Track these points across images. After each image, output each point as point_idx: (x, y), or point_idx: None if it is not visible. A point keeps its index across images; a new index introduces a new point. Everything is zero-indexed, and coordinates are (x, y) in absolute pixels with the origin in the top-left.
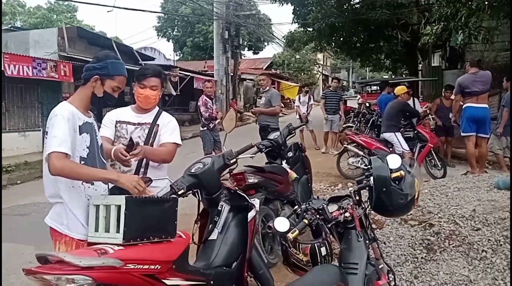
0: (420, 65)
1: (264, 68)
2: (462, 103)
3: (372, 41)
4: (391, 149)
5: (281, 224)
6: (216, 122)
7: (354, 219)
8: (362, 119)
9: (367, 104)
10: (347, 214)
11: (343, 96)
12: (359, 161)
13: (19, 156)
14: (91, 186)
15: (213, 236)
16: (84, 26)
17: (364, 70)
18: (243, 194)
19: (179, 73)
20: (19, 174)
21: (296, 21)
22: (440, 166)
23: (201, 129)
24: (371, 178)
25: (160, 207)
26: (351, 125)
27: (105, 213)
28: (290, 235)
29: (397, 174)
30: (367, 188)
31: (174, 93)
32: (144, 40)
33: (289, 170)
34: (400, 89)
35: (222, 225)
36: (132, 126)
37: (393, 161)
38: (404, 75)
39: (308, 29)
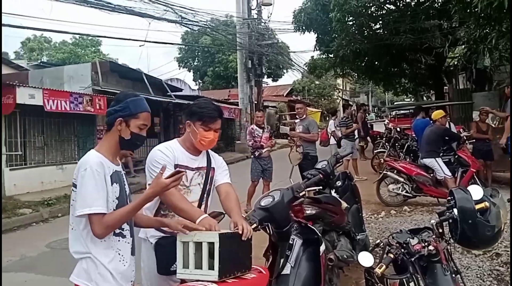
0: (446, 88)
1: (284, 95)
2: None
3: (395, 65)
4: (431, 175)
5: (366, 259)
6: (263, 150)
7: (439, 252)
8: (395, 144)
9: (398, 129)
10: (431, 248)
11: (368, 121)
12: (399, 187)
13: (57, 189)
14: (122, 239)
15: (286, 270)
16: (109, 59)
17: (383, 93)
18: (313, 228)
19: None
20: (59, 207)
21: (318, 48)
22: None
23: (251, 157)
24: (454, 210)
25: (241, 242)
26: (382, 150)
27: (195, 250)
28: (378, 270)
29: (482, 205)
30: (450, 220)
31: None
32: (169, 72)
33: (340, 200)
34: (437, 114)
35: (294, 259)
36: (191, 171)
37: (476, 192)
38: (427, 98)
39: (330, 55)
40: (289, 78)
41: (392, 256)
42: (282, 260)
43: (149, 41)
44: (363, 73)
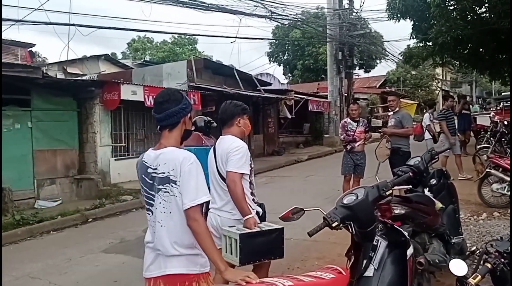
0: None
1: (377, 87)
2: None
3: (503, 52)
4: None
5: (458, 267)
6: (356, 144)
7: None
8: (502, 139)
9: (505, 122)
10: None
11: (471, 114)
12: (505, 187)
13: None
14: None
15: (369, 272)
16: (204, 56)
17: (489, 83)
18: (400, 229)
19: (294, 96)
20: None
21: (415, 36)
22: None
23: (344, 151)
24: None
25: (269, 237)
26: (486, 146)
27: (230, 241)
28: (472, 281)
29: None
30: None
31: (289, 116)
32: (259, 67)
33: (434, 200)
34: None
35: (378, 261)
36: None
37: None
38: None
39: (428, 43)
40: (383, 69)
41: (489, 266)
42: (365, 261)
43: (240, 37)
44: (466, 62)
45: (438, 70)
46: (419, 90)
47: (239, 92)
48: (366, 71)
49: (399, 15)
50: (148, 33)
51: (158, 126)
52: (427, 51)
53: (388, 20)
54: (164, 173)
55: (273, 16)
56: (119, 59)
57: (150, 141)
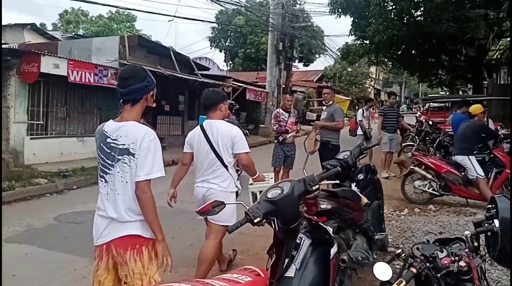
0: (485, 83)
1: (314, 81)
2: None
3: (433, 56)
4: (463, 173)
5: (382, 271)
6: (288, 136)
7: (471, 269)
8: (426, 138)
9: (430, 122)
10: (462, 263)
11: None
12: (426, 184)
13: (76, 161)
14: None
15: (290, 273)
16: (142, 35)
17: (417, 85)
18: (325, 226)
19: (232, 84)
20: (75, 179)
21: (353, 33)
22: None
23: (274, 142)
24: (495, 221)
25: None
26: (411, 144)
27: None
28: None
29: None
30: (488, 233)
31: None
32: (199, 50)
33: (360, 195)
34: (476, 108)
35: (300, 261)
36: None
37: None
38: (463, 93)
39: (365, 41)
40: (321, 63)
41: (414, 270)
42: (286, 260)
43: (178, 17)
44: (398, 62)
45: (372, 69)
46: (353, 87)
47: (174, 74)
48: (305, 65)
49: (340, 11)
50: (81, 3)
51: (121, 100)
52: (364, 49)
53: (329, 14)
54: (124, 144)
55: None
56: (48, 30)
57: (72, 120)
